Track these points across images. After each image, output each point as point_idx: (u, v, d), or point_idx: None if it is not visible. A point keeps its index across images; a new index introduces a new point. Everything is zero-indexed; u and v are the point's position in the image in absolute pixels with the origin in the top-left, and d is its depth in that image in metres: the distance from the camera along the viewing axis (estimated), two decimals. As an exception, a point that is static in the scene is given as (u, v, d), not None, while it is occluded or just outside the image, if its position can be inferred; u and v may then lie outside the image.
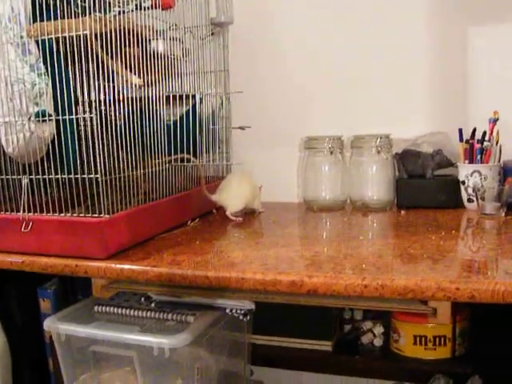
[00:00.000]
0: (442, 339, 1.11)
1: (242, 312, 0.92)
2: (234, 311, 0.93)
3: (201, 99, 1.17)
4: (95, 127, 0.81)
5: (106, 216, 0.82)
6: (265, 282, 0.74)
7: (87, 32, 0.81)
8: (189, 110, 1.13)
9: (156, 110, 1.00)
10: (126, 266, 0.81)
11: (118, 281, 0.88)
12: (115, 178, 0.86)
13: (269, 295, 0.86)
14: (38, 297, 1.06)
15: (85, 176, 0.82)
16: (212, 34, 1.23)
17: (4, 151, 0.91)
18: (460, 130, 1.20)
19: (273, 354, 1.21)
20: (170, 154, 1.04)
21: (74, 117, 0.82)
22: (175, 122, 1.10)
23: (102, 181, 0.82)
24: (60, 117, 0.84)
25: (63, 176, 0.85)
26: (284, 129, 1.36)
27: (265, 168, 1.34)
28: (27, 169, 0.88)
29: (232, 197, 1.12)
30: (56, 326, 0.92)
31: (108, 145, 0.83)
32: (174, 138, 1.07)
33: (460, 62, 1.25)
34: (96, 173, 0.82)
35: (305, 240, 0.99)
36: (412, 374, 1.16)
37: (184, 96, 1.12)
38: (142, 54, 1.00)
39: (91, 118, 0.81)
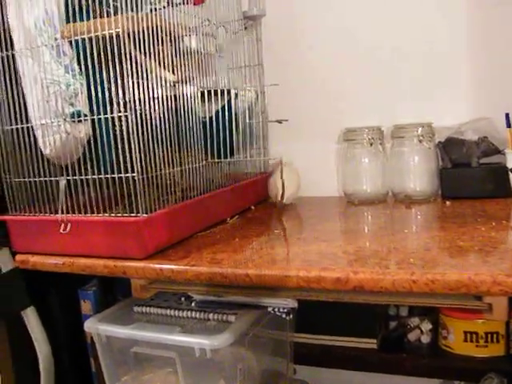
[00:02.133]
0: (495, 336, 1.06)
1: (285, 310, 0.90)
2: (276, 310, 0.90)
3: (236, 94, 1.14)
4: (130, 126, 0.79)
5: (144, 215, 0.81)
6: (308, 279, 0.72)
7: (119, 30, 0.80)
8: (224, 105, 1.11)
9: (191, 106, 0.98)
10: (165, 266, 0.79)
11: (158, 281, 0.87)
12: (152, 176, 0.85)
13: (312, 293, 0.83)
14: (80, 298, 1.06)
15: (122, 175, 0.81)
16: (245, 28, 1.20)
17: (42, 153, 0.91)
18: (507, 115, 1.13)
19: (316, 352, 1.18)
20: (206, 151, 1.03)
21: (109, 116, 0.81)
22: (211, 118, 1.08)
23: (138, 179, 0.81)
24: (95, 116, 0.83)
25: (100, 176, 0.84)
26: (321, 121, 1.32)
27: (303, 162, 1.30)
28: (64, 170, 0.88)
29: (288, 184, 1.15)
30: (96, 327, 0.91)
31: (144, 143, 0.82)
32: (210, 134, 1.06)
33: (502, 44, 1.19)
34: (133, 171, 0.81)
35: (347, 234, 0.95)
36: (462, 373, 1.11)
37: (219, 92, 1.10)
38: (175, 51, 0.99)
39: (126, 117, 0.80)
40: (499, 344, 1.07)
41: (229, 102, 1.14)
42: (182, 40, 1.02)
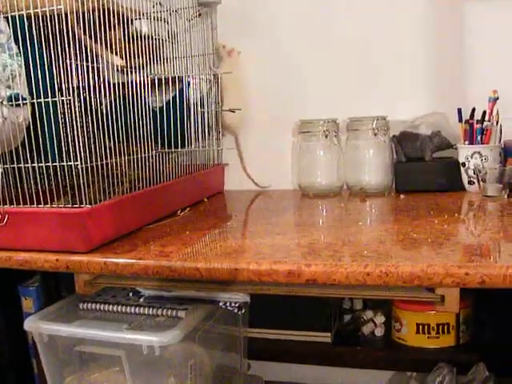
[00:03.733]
0: (446, 327, 1.07)
1: (237, 305, 0.87)
2: (227, 304, 0.88)
3: (188, 83, 1.11)
4: (73, 111, 0.75)
5: (88, 206, 0.77)
6: (260, 273, 0.69)
7: (62, 7, 0.75)
8: (176, 94, 1.07)
9: (141, 94, 0.94)
10: (110, 259, 0.75)
11: (103, 275, 0.83)
12: (97, 166, 0.80)
13: (265, 286, 0.81)
14: (20, 295, 1.00)
15: (64, 164, 0.76)
16: (199, 15, 1.17)
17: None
18: (459, 110, 1.15)
19: (270, 347, 1.16)
20: (157, 141, 0.99)
21: (50, 100, 0.76)
22: (162, 107, 1.04)
23: (82, 168, 0.76)
24: (35, 100, 0.78)
25: (40, 164, 0.79)
26: (277, 113, 1.30)
27: (258, 154, 1.28)
28: (1, 158, 0.82)
29: None
30: (38, 326, 0.86)
31: (88, 130, 0.78)
32: (162, 123, 1.01)
33: (456, 41, 1.20)
34: (76, 160, 0.76)
35: (301, 227, 0.93)
36: (415, 364, 1.12)
37: (171, 80, 1.06)
38: (124, 35, 0.94)
39: (69, 101, 0.75)
40: (450, 335, 1.09)
41: (181, 90, 1.10)
42: (132, 24, 0.97)
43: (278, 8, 1.27)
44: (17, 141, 0.83)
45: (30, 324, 0.87)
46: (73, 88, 0.75)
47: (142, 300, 0.90)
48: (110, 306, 0.90)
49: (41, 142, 0.79)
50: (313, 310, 1.13)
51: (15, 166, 0.80)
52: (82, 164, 0.76)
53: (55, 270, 0.79)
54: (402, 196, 1.13)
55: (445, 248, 0.72)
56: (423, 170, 1.17)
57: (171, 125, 1.03)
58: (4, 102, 0.78)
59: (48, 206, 0.79)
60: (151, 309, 0.88)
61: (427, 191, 1.14)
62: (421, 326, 1.08)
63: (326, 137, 1.19)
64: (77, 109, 0.75)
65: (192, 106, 1.10)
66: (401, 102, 1.24)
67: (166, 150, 1.00)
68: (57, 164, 0.77)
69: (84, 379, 0.88)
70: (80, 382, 0.88)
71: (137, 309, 0.89)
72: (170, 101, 1.06)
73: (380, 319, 1.16)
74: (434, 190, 1.14)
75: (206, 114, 1.14)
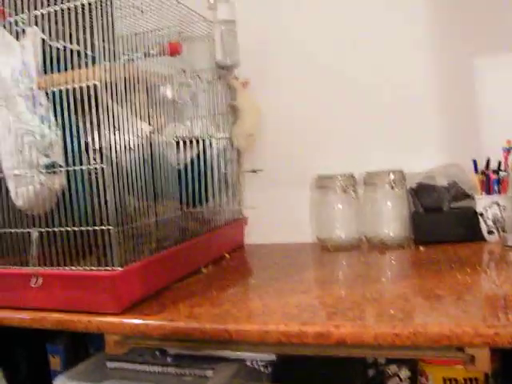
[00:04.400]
0: (474, 382, 1.06)
1: (263, 364, 0.88)
2: (254, 363, 0.88)
3: (210, 142, 1.15)
4: (107, 177, 0.78)
5: (119, 269, 0.79)
6: (289, 334, 0.70)
7: (97, 82, 0.80)
8: (198, 153, 1.11)
9: (166, 156, 0.98)
10: (141, 321, 0.77)
11: (131, 336, 0.84)
12: (127, 228, 0.83)
13: (292, 347, 0.82)
14: (48, 353, 1.01)
15: (97, 228, 0.79)
16: (219, 77, 1.22)
17: (10, 203, 0.89)
18: (474, 162, 1.17)
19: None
20: (181, 200, 1.02)
21: (84, 167, 0.80)
22: (185, 167, 1.07)
23: (114, 232, 0.79)
24: (71, 168, 0.82)
25: (74, 228, 0.82)
26: (294, 168, 1.33)
27: (277, 208, 1.31)
28: (37, 221, 0.85)
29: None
30: (68, 386, 0.87)
31: (119, 194, 0.81)
32: (185, 182, 1.05)
33: (469, 93, 1.24)
34: (108, 224, 0.79)
35: (324, 284, 0.94)
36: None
37: (194, 141, 1.10)
38: (150, 99, 0.99)
39: (102, 169, 0.78)
40: (477, 390, 1.07)
41: (203, 151, 1.14)
42: (158, 89, 1.02)
43: (291, 66, 1.32)
44: (51, 204, 0.87)
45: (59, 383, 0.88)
46: (105, 155, 0.79)
47: (169, 359, 0.91)
48: (138, 366, 0.91)
49: (75, 206, 0.82)
50: (336, 365, 1.12)
51: (50, 229, 0.83)
52: (114, 228, 0.79)
53: (87, 331, 0.81)
54: (421, 248, 1.14)
55: (471, 305, 0.73)
56: (441, 221, 1.18)
57: (194, 184, 1.06)
58: (42, 170, 0.82)
59: (80, 268, 0.81)
60: (178, 368, 0.89)
61: (446, 242, 1.15)
62: (448, 381, 1.07)
63: (344, 191, 1.21)
64: (109, 175, 0.79)
65: (213, 165, 1.14)
66: (416, 154, 1.26)
67: (192, 209, 1.03)
68: (90, 228, 0.80)
69: None
70: None
71: (164, 368, 0.89)
72: (192, 161, 1.09)
73: (405, 374, 1.15)
74: (452, 241, 1.15)
75: (226, 172, 1.17)
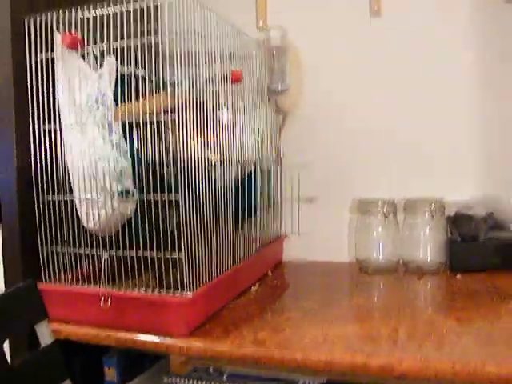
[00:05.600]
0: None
1: (315, 386, 0.93)
2: (307, 385, 0.93)
3: (259, 165, 1.19)
4: (181, 209, 0.82)
5: (189, 295, 0.84)
6: (354, 366, 0.75)
7: (169, 114, 0.84)
8: (249, 174, 1.15)
9: (225, 178, 1.02)
10: (210, 347, 0.81)
11: (196, 358, 0.89)
12: (196, 255, 0.87)
13: (338, 376, 0.86)
14: (103, 365, 1.06)
15: (169, 256, 0.84)
16: (269, 100, 1.26)
17: (79, 224, 0.93)
18: (513, 193, 1.21)
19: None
20: (236, 221, 1.06)
21: (159, 199, 0.84)
22: (237, 188, 1.12)
23: (186, 260, 0.83)
24: (144, 196, 0.86)
25: (146, 255, 0.86)
26: (334, 190, 1.38)
27: (315, 227, 1.35)
28: (107, 244, 0.90)
29: None
30: (129, 399, 0.92)
31: (191, 222, 0.85)
32: (236, 203, 1.09)
33: (508, 127, 1.28)
34: (180, 252, 0.83)
35: (377, 313, 0.97)
36: None
37: (245, 162, 1.14)
38: (209, 123, 1.03)
39: (177, 201, 0.83)
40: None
41: (253, 171, 1.18)
42: (216, 113, 1.06)
43: (335, 93, 1.37)
44: (119, 227, 0.91)
45: (120, 398, 0.92)
46: (180, 187, 0.83)
47: (224, 377, 0.96)
48: (195, 382, 0.95)
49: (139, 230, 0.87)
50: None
51: (121, 254, 0.87)
52: (186, 256, 0.83)
53: (154, 351, 0.85)
54: (458, 276, 1.18)
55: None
56: (478, 250, 1.22)
57: (244, 203, 1.11)
58: (115, 196, 0.87)
59: (150, 292, 0.86)
60: (234, 387, 0.93)
61: (481, 271, 1.19)
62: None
63: (385, 216, 1.26)
64: (184, 206, 0.83)
65: (261, 185, 1.18)
66: (455, 181, 1.31)
67: (243, 229, 1.07)
68: (161, 255, 0.85)
69: None
70: None
71: (221, 386, 0.94)
72: (244, 181, 1.13)
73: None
74: (488, 270, 1.19)
75: (272, 194, 1.22)
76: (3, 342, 0.77)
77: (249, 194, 1.13)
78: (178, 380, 0.97)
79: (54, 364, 0.84)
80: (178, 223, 0.83)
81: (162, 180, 0.86)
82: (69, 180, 0.93)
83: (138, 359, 1.06)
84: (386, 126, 1.34)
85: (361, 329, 0.86)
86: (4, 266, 1.04)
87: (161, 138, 0.88)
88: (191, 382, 0.96)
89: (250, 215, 1.13)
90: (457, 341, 0.81)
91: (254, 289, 1.09)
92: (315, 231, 1.36)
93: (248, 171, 1.17)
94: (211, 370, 0.99)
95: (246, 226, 1.13)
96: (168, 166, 0.87)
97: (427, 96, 1.31)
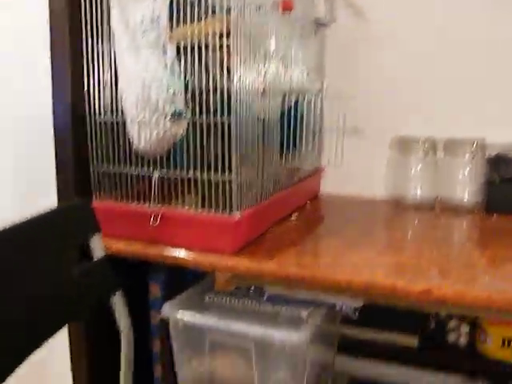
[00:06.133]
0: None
1: (352, 309, 0.96)
2: (343, 308, 0.97)
3: (303, 96, 1.19)
4: (233, 130, 0.84)
5: (237, 214, 0.87)
6: (395, 289, 0.78)
7: (224, 40, 0.85)
8: (296, 103, 1.15)
9: (273, 105, 1.03)
10: (255, 265, 0.85)
11: (240, 276, 0.93)
12: (245, 177, 0.90)
13: (381, 297, 0.90)
14: (149, 282, 1.11)
15: (218, 177, 0.87)
16: (315, 32, 1.24)
17: (130, 145, 0.96)
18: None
19: (356, 344, 1.25)
20: (281, 149, 1.07)
21: (211, 121, 0.86)
22: (281, 116, 1.12)
23: (235, 180, 0.86)
24: (197, 118, 0.88)
25: (197, 175, 0.89)
26: (375, 125, 1.37)
27: (353, 161, 1.35)
28: (158, 164, 0.93)
29: None
30: (174, 313, 0.97)
31: (241, 144, 0.87)
32: (281, 131, 1.10)
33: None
34: (230, 173, 0.86)
35: (414, 244, 0.99)
36: (495, 376, 1.19)
37: (290, 93, 1.14)
38: (258, 51, 1.02)
39: (229, 122, 0.84)
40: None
41: (296, 103, 1.18)
42: (268, 43, 1.05)
43: (380, 26, 1.34)
44: (169, 149, 0.94)
45: (167, 310, 0.98)
46: (234, 107, 0.85)
47: (264, 297, 1.01)
48: (235, 300, 1.00)
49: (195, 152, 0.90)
50: (401, 313, 1.20)
51: (172, 174, 0.90)
52: (236, 177, 0.86)
53: (200, 268, 0.90)
54: (494, 216, 1.20)
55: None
56: (515, 192, 1.23)
57: (289, 132, 1.12)
58: (167, 117, 0.89)
59: (200, 211, 0.89)
60: (274, 307, 0.98)
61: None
62: (507, 341, 1.15)
63: (425, 154, 1.26)
64: (235, 128, 0.85)
65: (304, 115, 1.19)
66: (499, 123, 1.29)
67: (286, 157, 1.09)
68: (211, 177, 0.87)
69: (208, 364, 0.99)
70: (206, 366, 0.99)
71: (261, 305, 0.99)
72: (290, 110, 1.14)
73: (465, 329, 1.23)
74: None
75: (312, 126, 1.23)
76: (60, 255, 0.82)
77: (293, 124, 1.14)
78: (219, 298, 1.02)
79: (106, 276, 0.90)
80: (229, 145, 0.85)
81: (214, 102, 0.87)
82: (121, 102, 0.95)
83: (182, 278, 1.12)
84: (432, 62, 1.31)
85: (400, 258, 0.89)
86: (58, 186, 1.08)
87: (214, 62, 0.89)
88: (233, 300, 1.01)
89: (293, 145, 1.14)
90: (495, 272, 0.83)
91: (293, 217, 1.12)
92: (354, 165, 1.36)
93: (293, 102, 1.17)
94: (251, 290, 1.03)
95: (289, 156, 1.14)
96: (220, 89, 0.87)
97: (471, 29, 1.27)
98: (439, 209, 1.28)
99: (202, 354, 0.98)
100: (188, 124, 0.91)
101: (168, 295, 1.06)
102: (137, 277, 1.13)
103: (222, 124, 0.86)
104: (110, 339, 1.00)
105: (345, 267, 0.84)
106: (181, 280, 1.11)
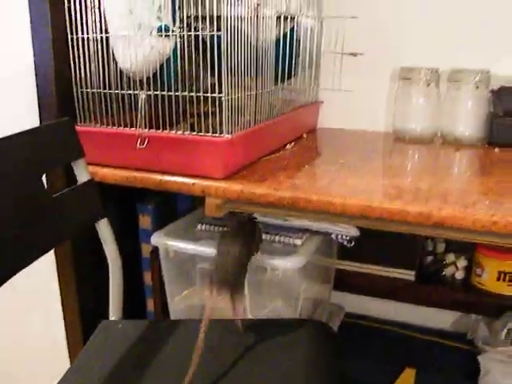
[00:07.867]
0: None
1: (348, 238, 0.94)
2: (339, 237, 0.94)
3: (299, 21, 1.12)
4: (223, 45, 0.79)
5: (228, 136, 0.82)
6: (392, 212, 0.75)
7: None
8: (290, 30, 1.09)
9: (267, 29, 0.97)
10: (247, 188, 0.81)
11: (231, 201, 0.89)
12: (235, 99, 0.85)
13: (377, 222, 0.86)
14: (138, 212, 1.08)
15: (208, 95, 0.82)
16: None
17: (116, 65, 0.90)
18: None
19: (353, 279, 1.24)
20: (273, 76, 1.02)
21: (200, 34, 0.80)
22: (277, 43, 1.06)
23: (226, 100, 0.81)
24: (185, 33, 0.82)
25: (185, 94, 0.84)
26: (376, 57, 1.31)
27: (352, 94, 1.30)
28: (145, 84, 0.87)
29: None
30: (164, 242, 0.94)
31: (232, 63, 0.82)
32: (276, 57, 1.05)
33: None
34: (220, 92, 0.81)
35: (414, 171, 0.97)
36: (490, 309, 1.18)
37: (286, 17, 1.08)
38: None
39: (219, 36, 0.79)
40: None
41: (292, 28, 1.12)
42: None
43: None
44: (156, 68, 0.88)
45: (156, 239, 0.95)
46: (223, 22, 0.79)
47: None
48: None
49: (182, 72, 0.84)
50: (398, 247, 1.19)
51: (159, 93, 0.85)
52: (225, 96, 0.81)
53: (189, 193, 0.86)
54: (496, 150, 1.15)
55: None
56: (519, 125, 1.18)
57: (285, 59, 1.06)
58: (153, 33, 0.83)
59: (188, 132, 0.85)
60: (268, 235, 0.95)
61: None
62: (502, 274, 1.14)
63: (428, 85, 1.21)
64: (225, 43, 0.79)
65: (301, 42, 1.13)
66: (503, 55, 1.23)
67: (281, 85, 1.04)
68: (201, 94, 0.82)
69: (199, 293, 0.97)
70: (195, 296, 0.98)
71: (254, 234, 0.96)
72: (285, 36, 1.08)
73: (462, 263, 1.22)
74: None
75: (311, 53, 1.17)
76: (41, 176, 0.78)
77: (289, 50, 1.08)
78: (211, 227, 0.99)
79: (90, 201, 0.86)
80: (220, 63, 0.80)
81: (203, 17, 0.81)
82: (104, 17, 0.88)
83: (173, 210, 1.08)
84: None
85: (399, 182, 0.85)
86: (39, 110, 1.03)
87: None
88: (224, 229, 0.98)
89: (289, 71, 1.08)
90: (496, 198, 0.80)
91: (289, 146, 1.08)
92: (354, 93, 1.30)
93: (289, 27, 1.11)
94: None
95: (285, 82, 1.09)
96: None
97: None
98: (440, 143, 1.23)
99: (192, 284, 0.96)
100: (175, 43, 0.86)
101: (158, 227, 1.03)
102: (126, 208, 1.09)
103: (212, 41, 0.80)
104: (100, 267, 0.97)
105: (341, 190, 0.80)
106: (171, 212, 1.08)
